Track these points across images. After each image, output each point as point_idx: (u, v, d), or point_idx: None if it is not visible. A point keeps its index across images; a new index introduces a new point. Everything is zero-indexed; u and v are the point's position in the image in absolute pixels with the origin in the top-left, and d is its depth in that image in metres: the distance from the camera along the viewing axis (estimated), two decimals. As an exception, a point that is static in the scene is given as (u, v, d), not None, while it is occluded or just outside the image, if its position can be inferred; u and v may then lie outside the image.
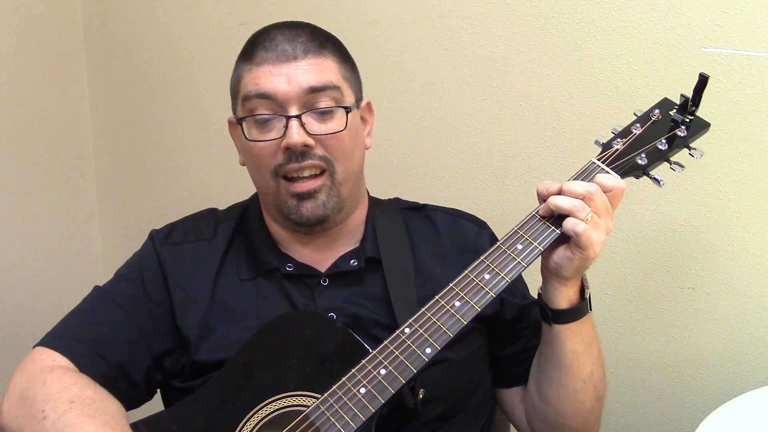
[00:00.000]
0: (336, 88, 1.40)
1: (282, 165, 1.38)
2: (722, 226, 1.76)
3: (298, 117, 1.36)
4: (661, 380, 1.88)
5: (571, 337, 1.36)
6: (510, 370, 1.54)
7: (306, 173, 1.39)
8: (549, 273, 1.33)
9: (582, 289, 1.36)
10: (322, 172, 1.40)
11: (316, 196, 1.39)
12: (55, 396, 1.29)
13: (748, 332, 1.77)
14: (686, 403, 1.86)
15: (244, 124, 1.41)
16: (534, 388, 1.47)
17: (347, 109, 1.40)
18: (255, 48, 1.41)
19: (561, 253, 1.29)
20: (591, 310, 1.38)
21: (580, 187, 1.27)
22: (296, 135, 1.35)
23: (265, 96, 1.37)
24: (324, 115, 1.39)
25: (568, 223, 1.25)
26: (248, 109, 1.40)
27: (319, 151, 1.38)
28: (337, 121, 1.39)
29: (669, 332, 1.85)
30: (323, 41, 1.43)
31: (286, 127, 1.36)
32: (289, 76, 1.37)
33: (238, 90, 1.43)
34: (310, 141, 1.37)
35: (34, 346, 1.42)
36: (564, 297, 1.34)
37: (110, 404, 1.32)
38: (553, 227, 1.29)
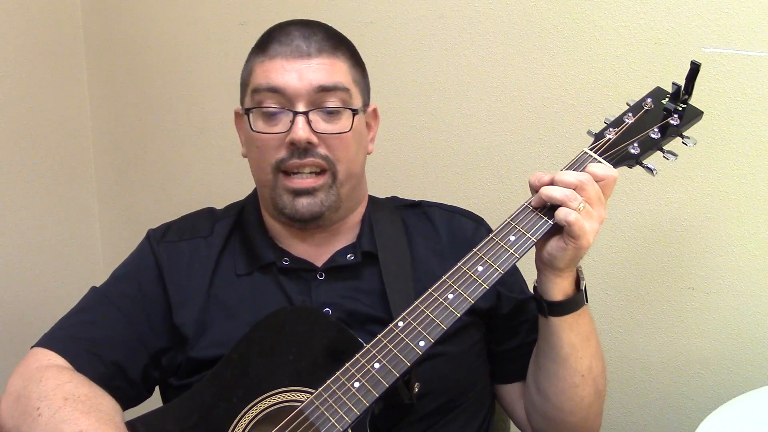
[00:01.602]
0: (345, 89, 1.41)
1: (284, 160, 1.39)
2: (722, 226, 1.76)
3: (306, 114, 1.37)
4: (661, 380, 1.87)
5: (567, 330, 1.35)
6: (509, 365, 1.54)
7: (306, 170, 1.39)
8: (543, 264, 1.32)
9: (577, 281, 1.36)
10: (323, 172, 1.40)
11: (315, 193, 1.40)
12: (50, 393, 1.29)
13: (748, 332, 1.76)
14: (686, 403, 1.85)
15: (251, 115, 1.41)
16: (532, 384, 1.46)
17: (354, 112, 1.41)
18: (270, 41, 1.42)
19: (554, 244, 1.29)
20: (587, 302, 1.37)
21: (571, 176, 1.27)
22: (301, 131, 1.36)
23: (275, 90, 1.38)
24: (331, 115, 1.40)
25: (560, 213, 1.25)
26: (257, 101, 1.41)
27: (322, 150, 1.39)
28: (344, 122, 1.40)
29: (669, 332, 1.85)
30: (338, 42, 1.44)
31: (293, 122, 1.37)
32: (300, 72, 1.38)
33: (249, 81, 1.44)
34: (314, 139, 1.37)
35: (32, 347, 1.42)
36: (559, 288, 1.33)
37: (105, 401, 1.32)
38: (545, 218, 1.28)
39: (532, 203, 1.30)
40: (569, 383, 1.39)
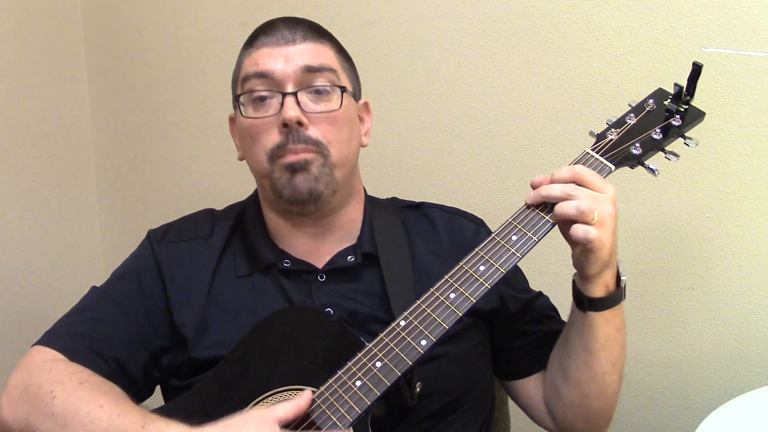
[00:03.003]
0: (332, 70, 1.43)
1: (279, 146, 1.39)
2: (722, 226, 1.76)
3: (294, 94, 1.38)
4: (661, 380, 1.88)
5: (604, 324, 1.36)
6: (522, 360, 1.54)
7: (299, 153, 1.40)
8: (578, 270, 1.33)
9: (618, 277, 1.35)
10: (315, 152, 1.40)
11: (308, 168, 1.39)
12: (63, 378, 1.29)
13: (748, 332, 1.76)
14: (686, 403, 1.86)
15: (241, 106, 1.43)
16: (560, 374, 1.46)
17: (342, 89, 1.42)
18: (256, 35, 1.46)
19: (578, 255, 1.29)
20: (625, 297, 1.37)
21: (565, 173, 1.28)
22: (291, 110, 1.37)
23: (263, 75, 1.40)
24: (320, 95, 1.41)
25: (578, 233, 1.24)
26: (247, 89, 1.42)
27: (313, 133, 1.39)
28: (333, 103, 1.42)
29: (669, 332, 1.85)
30: (323, 32, 1.47)
31: (282, 104, 1.38)
32: (287, 56, 1.40)
33: (238, 75, 1.46)
34: (304, 119, 1.38)
35: (32, 345, 1.42)
36: (599, 287, 1.33)
37: (118, 388, 1.33)
38: (547, 217, 1.28)
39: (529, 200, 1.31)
40: (600, 371, 1.40)
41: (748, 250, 1.74)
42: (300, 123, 1.37)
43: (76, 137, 2.64)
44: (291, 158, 1.38)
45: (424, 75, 2.05)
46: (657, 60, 1.76)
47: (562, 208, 1.25)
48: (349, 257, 1.47)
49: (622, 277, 1.35)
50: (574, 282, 1.37)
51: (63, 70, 2.58)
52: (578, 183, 1.27)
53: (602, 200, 1.26)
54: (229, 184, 2.40)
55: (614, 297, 1.35)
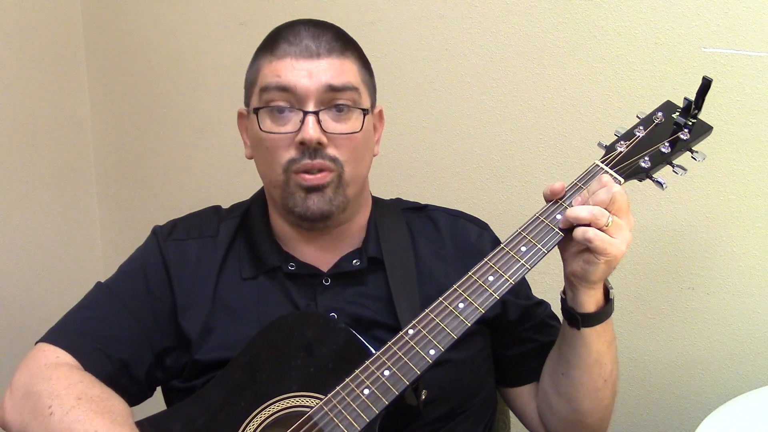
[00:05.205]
0: (355, 89, 1.40)
1: (295, 161, 1.37)
2: (722, 226, 1.77)
3: (316, 113, 1.36)
4: (661, 380, 1.88)
5: (596, 339, 1.36)
6: (519, 368, 1.54)
7: (315, 171, 1.38)
8: (576, 279, 1.32)
9: (605, 290, 1.36)
10: (330, 170, 1.39)
11: (324, 190, 1.38)
12: (62, 392, 1.28)
13: (748, 332, 1.77)
14: (686, 403, 1.86)
15: (259, 115, 1.40)
16: (552, 389, 1.47)
17: (365, 112, 1.41)
18: (278, 40, 1.40)
19: (585, 258, 1.29)
20: (613, 310, 1.38)
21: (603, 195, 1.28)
22: (312, 131, 1.34)
23: (284, 88, 1.37)
24: (341, 114, 1.38)
25: (578, 232, 1.25)
26: (265, 100, 1.39)
27: (331, 150, 1.37)
28: (354, 123, 1.39)
29: (669, 332, 1.86)
30: (346, 43, 1.43)
31: (302, 122, 1.36)
32: (310, 71, 1.36)
33: (256, 81, 1.42)
34: (324, 139, 1.36)
35: (37, 342, 1.41)
36: (592, 300, 1.33)
37: (117, 403, 1.31)
38: (556, 229, 1.29)
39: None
40: (592, 388, 1.40)
41: (748, 250, 1.75)
42: (320, 143, 1.36)
43: (76, 137, 2.63)
44: (310, 181, 1.37)
45: (424, 75, 2.05)
46: (657, 60, 1.76)
47: (579, 231, 1.26)
48: (354, 261, 1.47)
49: (610, 290, 1.36)
50: (564, 300, 1.38)
51: (63, 70, 2.57)
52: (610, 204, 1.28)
53: (623, 227, 1.29)
54: (230, 183, 2.40)
55: (606, 311, 1.35)
